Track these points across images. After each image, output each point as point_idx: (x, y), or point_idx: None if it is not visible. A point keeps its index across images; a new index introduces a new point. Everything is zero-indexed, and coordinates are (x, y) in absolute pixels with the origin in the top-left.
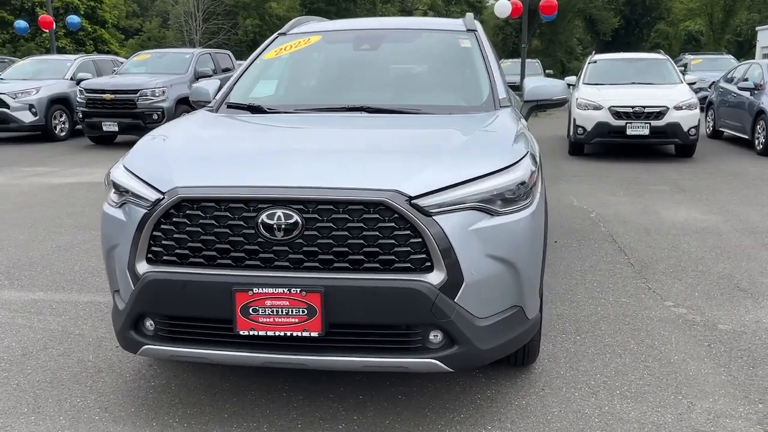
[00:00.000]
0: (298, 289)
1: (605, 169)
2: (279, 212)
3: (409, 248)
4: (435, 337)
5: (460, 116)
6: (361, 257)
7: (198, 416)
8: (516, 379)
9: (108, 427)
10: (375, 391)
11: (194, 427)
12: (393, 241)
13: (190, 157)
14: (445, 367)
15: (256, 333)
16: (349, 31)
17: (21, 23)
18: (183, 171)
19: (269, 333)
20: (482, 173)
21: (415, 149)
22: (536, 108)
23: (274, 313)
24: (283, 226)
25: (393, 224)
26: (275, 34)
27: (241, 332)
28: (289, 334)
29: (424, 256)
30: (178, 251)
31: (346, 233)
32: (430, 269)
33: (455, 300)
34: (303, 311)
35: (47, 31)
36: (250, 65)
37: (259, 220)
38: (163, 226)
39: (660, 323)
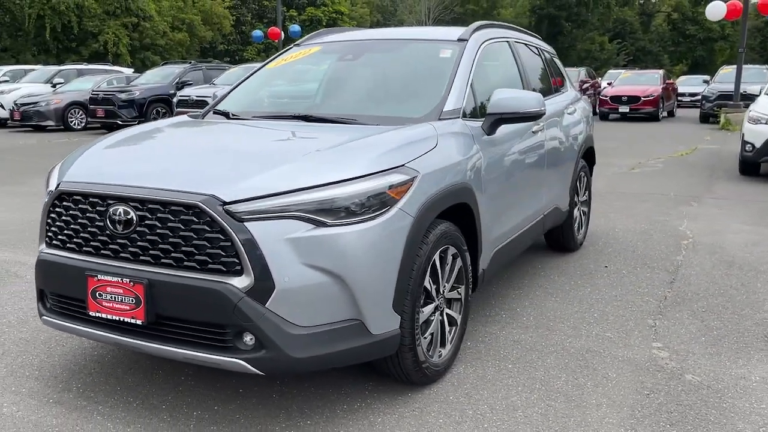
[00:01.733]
0: (128, 279)
1: (759, 194)
2: (120, 208)
3: (220, 251)
4: (250, 339)
5: (377, 127)
6: (181, 255)
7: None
8: (390, 391)
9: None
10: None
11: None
12: (206, 243)
13: (99, 155)
14: (253, 368)
15: (101, 315)
16: (346, 42)
17: (257, 33)
18: (78, 168)
19: (109, 317)
20: (314, 183)
21: (271, 156)
22: (503, 121)
23: (113, 299)
24: (123, 221)
25: (206, 227)
26: (291, 45)
27: (91, 313)
28: (121, 319)
29: (234, 259)
30: (60, 237)
31: (168, 232)
32: (239, 273)
33: (266, 305)
34: (132, 300)
35: (276, 41)
36: (252, 74)
37: (108, 214)
38: (51, 215)
39: (620, 363)
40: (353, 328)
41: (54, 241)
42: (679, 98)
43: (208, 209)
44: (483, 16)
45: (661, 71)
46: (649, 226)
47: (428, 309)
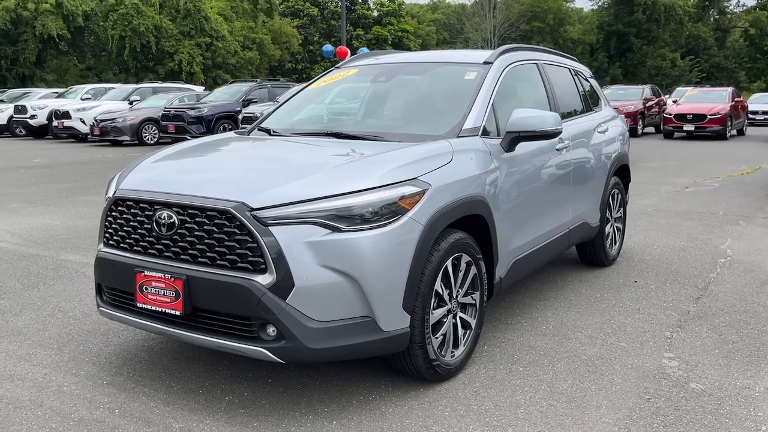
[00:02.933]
0: (170, 275)
1: None
2: (165, 212)
3: (247, 251)
4: (272, 330)
5: (399, 144)
6: (214, 255)
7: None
8: (407, 392)
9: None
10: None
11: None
12: (236, 244)
13: (150, 167)
14: (274, 357)
15: (146, 306)
16: (380, 65)
17: (327, 48)
18: (132, 177)
19: (153, 308)
20: (332, 193)
21: (298, 168)
22: (521, 139)
23: (157, 292)
24: (166, 224)
25: (236, 230)
26: (332, 68)
27: (139, 304)
28: (163, 310)
29: (259, 259)
30: (115, 238)
31: (204, 234)
32: (263, 271)
33: (286, 300)
34: (172, 293)
35: (343, 59)
36: (295, 95)
37: (154, 218)
38: (108, 218)
39: (627, 370)
40: (365, 324)
41: (110, 242)
42: (750, 116)
43: (237, 214)
44: (549, 33)
45: (729, 89)
46: (689, 244)
47: (440, 311)
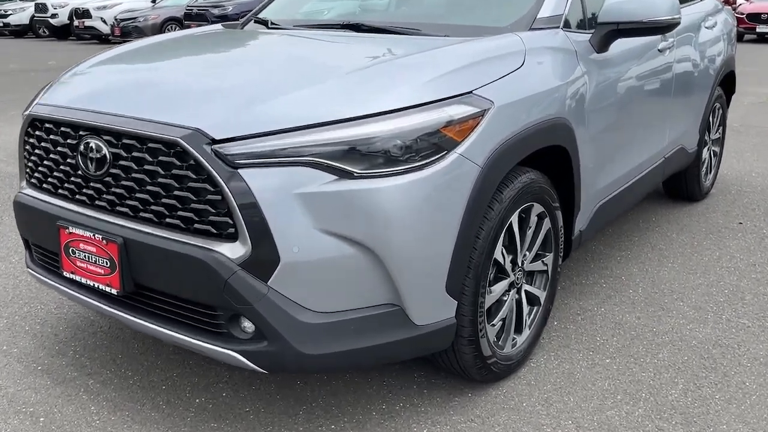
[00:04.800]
0: (100, 236)
1: None
2: (92, 142)
3: (208, 206)
4: (249, 326)
5: (443, 39)
6: (161, 209)
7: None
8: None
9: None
10: None
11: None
12: (190, 194)
13: (86, 74)
14: (250, 364)
15: (75, 278)
16: None
17: None
18: (57, 90)
19: (83, 280)
20: (340, 116)
21: (290, 77)
22: (619, 34)
23: (87, 259)
24: (95, 159)
25: (190, 173)
26: None
27: (65, 273)
28: (96, 285)
29: (226, 219)
30: (36, 174)
31: (146, 177)
32: (233, 237)
33: (268, 282)
34: (106, 262)
35: None
36: None
37: (79, 150)
38: (26, 146)
39: (761, 367)
40: (389, 316)
41: (31, 180)
42: None
43: (190, 148)
44: None
45: None
46: None
47: (499, 287)
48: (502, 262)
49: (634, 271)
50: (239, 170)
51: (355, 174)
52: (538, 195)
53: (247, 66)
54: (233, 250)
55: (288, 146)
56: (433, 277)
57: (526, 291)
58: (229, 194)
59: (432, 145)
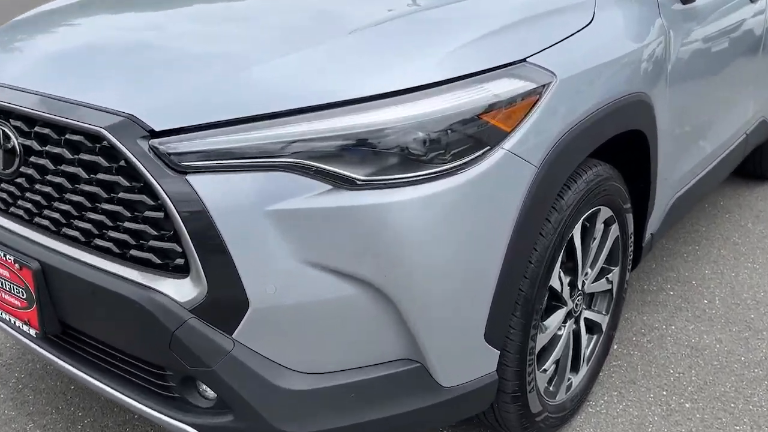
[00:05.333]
0: (12, 258)
1: None
2: (1, 129)
3: (148, 227)
4: (209, 394)
5: None
6: (88, 226)
7: None
8: None
9: None
10: None
11: None
12: (123, 208)
13: (7, 35)
14: None
15: None
16: None
17: None
18: None
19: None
20: (336, 98)
21: (271, 37)
22: None
23: (2, 285)
24: (6, 149)
25: (121, 178)
26: None
27: None
28: (11, 320)
29: (173, 246)
30: None
31: (65, 181)
32: (183, 271)
33: (233, 335)
34: (22, 293)
35: None
36: None
37: None
38: None
39: None
40: (405, 377)
41: None
42: None
43: (119, 144)
44: None
45: None
46: None
47: (554, 320)
48: (560, 290)
49: (707, 273)
50: (189, 176)
51: (359, 182)
52: (608, 196)
53: (207, 25)
54: (182, 290)
55: (261, 141)
56: (468, 323)
57: (585, 318)
58: (174, 211)
59: (468, 138)
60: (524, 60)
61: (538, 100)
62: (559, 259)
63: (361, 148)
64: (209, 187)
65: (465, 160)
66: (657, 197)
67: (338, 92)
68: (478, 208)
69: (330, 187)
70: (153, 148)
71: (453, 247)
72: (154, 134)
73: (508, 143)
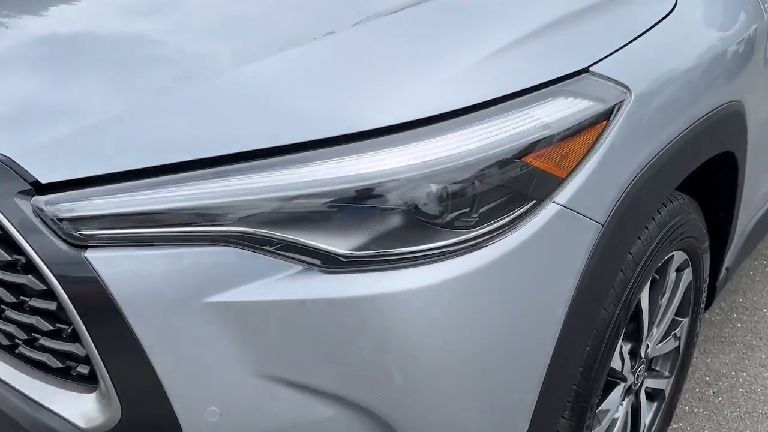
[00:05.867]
0: None
1: None
2: None
3: (40, 318)
4: None
5: None
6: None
7: None
8: None
9: None
10: None
11: None
12: (13, 294)
13: None
14: None
15: None
16: None
17: None
18: None
19: None
20: (321, 135)
21: (215, 38)
22: None
23: None
24: None
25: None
26: None
27: None
28: None
29: (74, 348)
30: None
31: None
32: (89, 382)
33: None
34: None
35: None
36: None
37: None
38: None
39: None
40: None
41: None
42: None
43: None
44: None
45: None
46: None
47: (611, 403)
48: (620, 368)
49: None
50: (89, 251)
51: (343, 259)
52: (686, 239)
53: (129, 23)
54: (88, 411)
55: (195, 201)
56: None
57: (647, 389)
58: (68, 301)
59: (504, 190)
60: (586, 70)
61: (605, 129)
62: (622, 333)
63: (347, 209)
64: (119, 268)
65: (498, 224)
66: (738, 224)
67: (311, 127)
68: (517, 296)
69: (300, 268)
70: (37, 211)
71: (480, 354)
72: (39, 188)
73: (562, 195)
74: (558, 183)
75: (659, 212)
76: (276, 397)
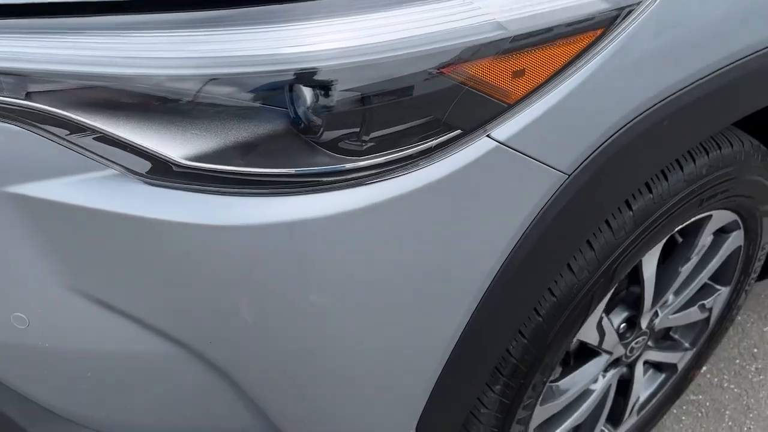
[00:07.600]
0: None
1: None
2: None
3: None
4: None
5: None
6: None
7: None
8: None
9: None
10: None
11: None
12: None
13: None
14: None
15: None
16: None
17: None
18: None
19: None
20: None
21: None
22: None
23: None
24: None
25: None
26: None
27: None
28: None
29: None
30: None
31: None
32: None
33: None
34: None
35: None
36: None
37: None
38: None
39: None
40: None
41: None
42: None
43: None
44: None
45: None
46: None
47: (585, 373)
48: (597, 342)
49: None
50: None
51: (176, 167)
52: (733, 197)
53: None
54: None
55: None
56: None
57: (647, 361)
58: None
59: (416, 110)
60: None
61: (597, 40)
62: (603, 303)
63: (194, 99)
64: None
65: (400, 155)
66: None
67: None
68: (418, 246)
69: (116, 171)
70: None
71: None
72: None
73: (503, 129)
74: (499, 111)
75: (684, 163)
76: (95, 320)
